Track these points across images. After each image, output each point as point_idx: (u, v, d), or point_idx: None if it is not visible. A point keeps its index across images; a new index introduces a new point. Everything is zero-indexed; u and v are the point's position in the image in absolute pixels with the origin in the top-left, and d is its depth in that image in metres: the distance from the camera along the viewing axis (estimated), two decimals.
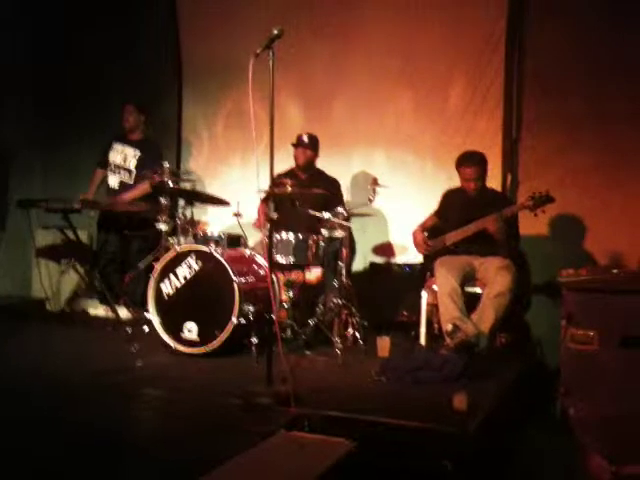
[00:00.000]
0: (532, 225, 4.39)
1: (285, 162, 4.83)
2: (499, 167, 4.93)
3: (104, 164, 5.38)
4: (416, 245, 4.51)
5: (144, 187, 5.12)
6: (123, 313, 5.04)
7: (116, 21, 5.92)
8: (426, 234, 4.51)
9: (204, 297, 3.98)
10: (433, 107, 5.19)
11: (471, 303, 4.09)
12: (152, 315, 4.05)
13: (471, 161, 4.28)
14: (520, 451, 3.08)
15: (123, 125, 5.32)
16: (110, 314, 5.08)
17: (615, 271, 3.60)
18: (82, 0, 5.87)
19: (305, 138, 4.83)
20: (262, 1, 5.56)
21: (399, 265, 5.18)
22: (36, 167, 5.79)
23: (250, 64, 2.98)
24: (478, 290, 4.16)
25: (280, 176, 4.53)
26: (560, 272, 3.51)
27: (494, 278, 4.03)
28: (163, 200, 4.43)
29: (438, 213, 4.57)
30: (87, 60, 5.87)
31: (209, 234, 4.31)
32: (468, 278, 4.19)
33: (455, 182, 4.46)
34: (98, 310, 5.30)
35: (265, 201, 4.34)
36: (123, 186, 5.26)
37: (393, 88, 5.30)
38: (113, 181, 5.32)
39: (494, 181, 4.75)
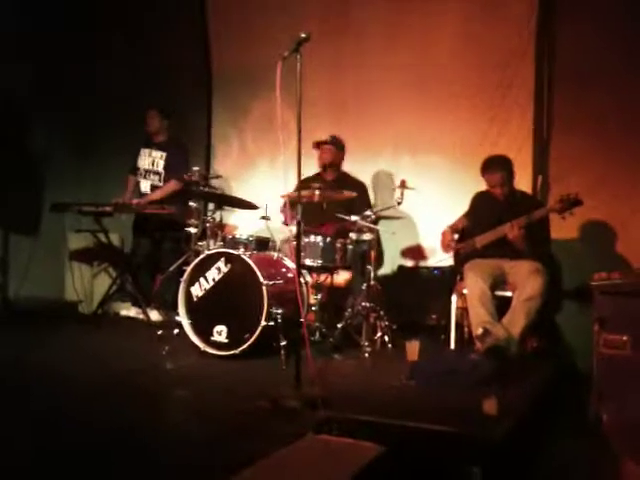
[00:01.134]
0: (564, 228, 4.33)
1: (313, 166, 4.84)
2: (529, 169, 4.88)
3: (135, 170, 5.47)
4: (443, 245, 4.48)
5: (171, 186, 5.18)
6: (154, 315, 5.10)
7: (147, 27, 6.00)
8: (456, 236, 4.48)
9: (233, 300, 4.01)
10: (462, 109, 5.15)
11: (502, 307, 4.05)
12: (182, 317, 4.09)
13: (494, 167, 4.23)
14: (550, 457, 3.04)
15: (146, 130, 5.40)
16: (141, 316, 5.15)
17: None
18: (111, 7, 5.96)
19: (327, 138, 4.82)
20: (290, 6, 5.59)
21: (428, 268, 5.15)
22: (69, 172, 5.88)
23: (278, 68, 3.00)
24: (509, 294, 4.12)
25: (307, 180, 4.54)
26: (592, 276, 3.46)
27: (525, 282, 3.98)
28: (193, 203, 4.48)
29: (468, 215, 4.54)
30: (117, 67, 5.95)
31: (238, 237, 4.34)
32: (498, 282, 4.15)
33: (484, 184, 4.43)
34: (130, 312, 5.38)
35: (291, 204, 4.35)
36: (155, 189, 5.34)
37: (421, 91, 5.28)
38: (145, 186, 5.40)
39: (524, 183, 4.71)
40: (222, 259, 4.06)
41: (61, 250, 5.78)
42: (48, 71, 5.65)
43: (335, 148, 4.84)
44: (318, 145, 4.81)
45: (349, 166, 4.99)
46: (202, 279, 4.10)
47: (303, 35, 3.09)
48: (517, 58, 4.94)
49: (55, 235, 5.71)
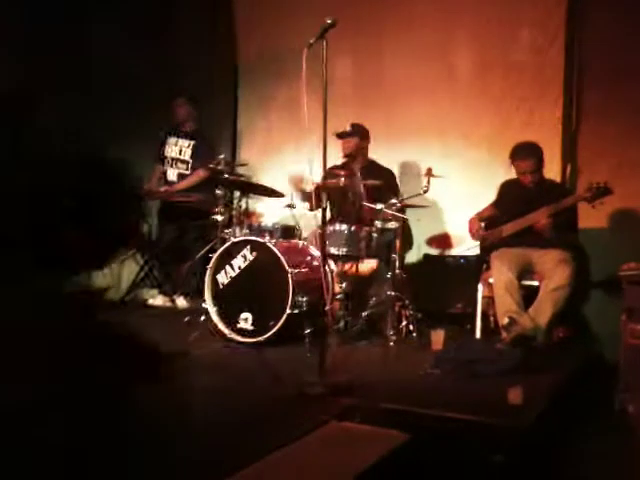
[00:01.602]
0: (592, 217, 4.28)
1: (340, 153, 4.83)
2: (559, 157, 4.82)
3: (161, 159, 5.49)
4: (471, 232, 4.45)
5: (198, 175, 5.21)
6: (181, 302, 5.15)
7: (173, 13, 5.98)
8: (483, 224, 4.44)
9: (259, 288, 4.04)
10: (490, 96, 5.09)
11: (529, 297, 4.02)
12: (208, 305, 4.13)
13: (525, 154, 4.18)
14: (575, 447, 3.02)
15: (175, 119, 5.41)
16: (168, 304, 5.21)
17: None
18: None
19: (348, 127, 4.77)
20: None
21: (454, 257, 5.12)
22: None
23: (304, 54, 3.00)
24: (536, 283, 4.08)
25: (334, 168, 4.53)
26: (621, 266, 3.42)
27: (553, 271, 3.94)
28: (219, 191, 4.50)
29: (496, 204, 4.50)
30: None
31: (263, 225, 4.36)
32: (525, 271, 4.11)
33: (513, 172, 4.38)
34: (157, 300, 5.43)
35: (317, 192, 4.35)
36: (182, 178, 5.37)
37: (449, 77, 5.23)
38: (172, 174, 5.43)
39: (553, 172, 4.64)
40: (248, 247, 4.08)
41: None
42: (65, 56, 5.63)
43: (357, 138, 4.79)
44: (340, 136, 4.77)
45: (376, 153, 4.96)
46: (228, 267, 4.13)
47: (329, 21, 3.07)
48: (547, 44, 4.87)
49: None
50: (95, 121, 5.76)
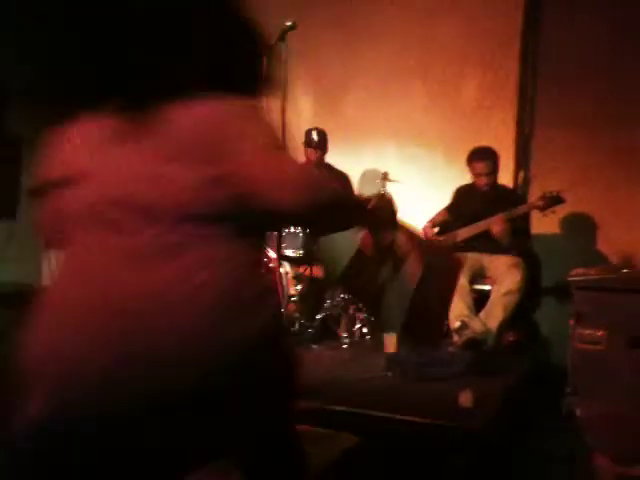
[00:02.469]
0: (544, 223, 4.37)
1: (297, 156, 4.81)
2: (511, 164, 4.89)
3: None
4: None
5: None
6: None
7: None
8: (436, 230, 4.49)
9: None
10: (446, 102, 5.15)
11: (480, 301, 4.07)
12: None
13: (482, 156, 4.26)
14: (526, 449, 3.07)
15: None
16: None
17: (625, 270, 3.57)
18: None
19: (315, 137, 4.77)
20: None
21: None
22: None
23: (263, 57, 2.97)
24: (487, 287, 4.15)
25: None
26: (570, 271, 3.49)
27: (504, 276, 4.01)
28: None
29: (449, 209, 4.56)
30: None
31: None
32: (477, 275, 4.17)
33: (467, 178, 4.44)
34: None
35: None
36: None
37: (406, 82, 5.27)
38: None
39: (506, 178, 4.72)
40: None
41: (39, 237, 5.70)
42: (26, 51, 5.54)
43: (321, 150, 4.81)
44: (309, 145, 4.76)
45: (332, 157, 4.97)
46: None
47: (288, 23, 3.06)
48: (502, 52, 4.95)
49: (32, 220, 5.62)
50: None
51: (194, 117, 1.23)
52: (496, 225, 4.07)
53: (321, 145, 4.80)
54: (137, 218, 1.21)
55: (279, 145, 1.31)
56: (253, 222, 1.29)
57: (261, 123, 1.30)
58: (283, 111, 3.10)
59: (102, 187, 1.25)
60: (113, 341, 1.16)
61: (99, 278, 1.22)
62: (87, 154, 1.28)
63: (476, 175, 4.29)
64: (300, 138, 4.77)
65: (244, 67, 1.38)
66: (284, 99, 3.10)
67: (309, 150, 4.79)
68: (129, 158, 1.23)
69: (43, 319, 1.27)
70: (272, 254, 4.20)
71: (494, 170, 4.27)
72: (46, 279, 5.74)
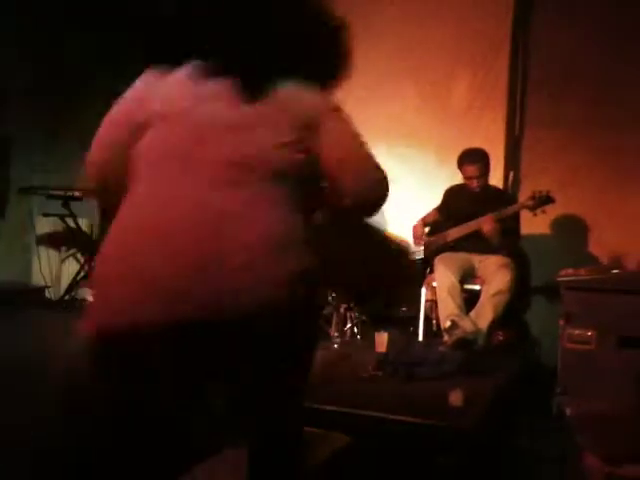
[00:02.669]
0: (534, 223, 4.38)
1: None
2: (501, 165, 4.91)
3: None
4: (414, 238, 4.52)
5: None
6: None
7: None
8: (427, 229, 4.50)
9: None
10: (437, 103, 5.16)
11: (470, 300, 4.08)
12: None
13: (473, 159, 4.26)
14: (516, 449, 3.08)
15: None
16: None
17: (615, 271, 3.59)
18: None
19: None
20: None
21: None
22: (37, 155, 5.76)
23: None
24: (477, 287, 4.16)
25: None
26: (560, 271, 3.50)
27: (494, 276, 4.02)
28: None
29: (440, 209, 4.57)
30: (84, 50, 5.80)
31: None
32: (468, 275, 4.18)
33: (458, 178, 4.45)
34: None
35: None
36: None
37: (397, 83, 5.27)
38: None
39: (496, 179, 4.73)
40: None
41: (28, 234, 5.68)
42: (19, 48, 5.51)
43: None
44: None
45: None
46: None
47: None
48: (493, 53, 4.97)
49: (22, 219, 5.59)
50: None
51: (295, 95, 1.50)
52: (486, 224, 4.09)
53: None
54: (235, 166, 1.42)
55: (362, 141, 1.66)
56: (314, 190, 1.54)
57: (345, 115, 1.67)
58: None
59: (203, 132, 1.43)
60: (209, 258, 1.35)
61: (191, 202, 1.39)
62: (195, 100, 1.45)
63: (467, 178, 4.30)
64: None
65: (328, 50, 1.68)
66: None
67: None
68: (233, 113, 1.45)
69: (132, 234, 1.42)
70: None
71: (485, 172, 4.28)
72: (36, 277, 5.71)
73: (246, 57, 1.49)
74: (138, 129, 1.48)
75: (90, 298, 1.47)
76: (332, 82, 1.67)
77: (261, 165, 1.43)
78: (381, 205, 1.68)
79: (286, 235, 1.43)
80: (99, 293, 1.44)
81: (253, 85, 1.46)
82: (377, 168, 1.64)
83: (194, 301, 1.33)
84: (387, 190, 1.67)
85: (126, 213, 1.45)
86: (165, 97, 1.47)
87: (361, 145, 1.66)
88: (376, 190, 1.66)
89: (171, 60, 1.49)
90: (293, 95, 1.50)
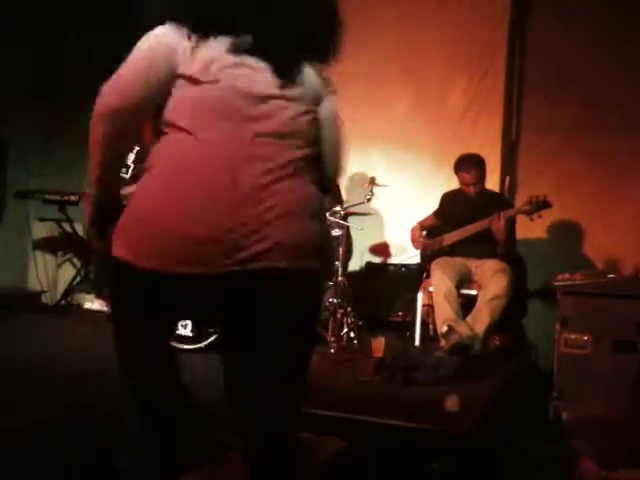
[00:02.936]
0: (529, 229, 4.39)
1: None
2: (498, 170, 4.93)
3: None
4: (412, 240, 4.52)
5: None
6: None
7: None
8: (424, 233, 4.51)
9: None
10: (433, 107, 5.18)
11: (467, 305, 4.08)
12: None
13: (469, 166, 4.27)
14: (512, 454, 3.08)
15: None
16: (106, 308, 5.08)
17: (611, 276, 3.60)
18: None
19: None
20: None
21: (395, 265, 5.18)
22: (34, 159, 5.76)
23: None
24: (474, 292, 4.16)
25: None
26: (556, 276, 3.51)
27: (490, 281, 4.02)
28: None
29: (437, 214, 4.57)
30: (82, 53, 5.81)
31: None
32: (464, 280, 4.19)
33: (454, 183, 4.45)
34: (94, 304, 5.30)
35: None
36: (135, 179, 5.25)
37: (393, 87, 5.28)
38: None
39: (492, 184, 4.75)
40: None
41: (25, 239, 5.67)
42: (19, 49, 5.51)
43: None
44: None
45: None
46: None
47: None
48: (489, 57, 4.98)
49: (19, 223, 5.59)
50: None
51: (309, 73, 1.71)
52: (495, 223, 4.07)
53: None
54: (276, 133, 1.59)
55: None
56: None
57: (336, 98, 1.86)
58: None
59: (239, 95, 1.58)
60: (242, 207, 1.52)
61: (239, 159, 1.54)
62: (240, 69, 1.60)
63: (464, 185, 4.31)
64: None
65: (326, 35, 1.77)
66: None
67: None
68: (272, 86, 1.62)
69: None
70: None
71: (481, 178, 4.29)
72: (32, 282, 5.71)
73: (280, 40, 1.65)
74: (175, 77, 1.58)
75: (128, 223, 1.60)
76: (330, 61, 1.82)
77: (296, 132, 1.63)
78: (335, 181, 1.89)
79: (315, 204, 1.65)
80: (144, 236, 1.55)
81: (286, 66, 1.64)
82: (343, 157, 1.85)
83: (236, 261, 1.50)
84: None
85: (178, 157, 1.57)
86: (210, 60, 1.57)
87: (342, 131, 1.85)
88: (338, 176, 1.86)
89: (216, 29, 1.60)
90: (308, 73, 1.70)
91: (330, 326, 4.15)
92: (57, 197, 5.05)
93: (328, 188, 1.81)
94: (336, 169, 1.82)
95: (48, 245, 5.68)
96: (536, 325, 4.50)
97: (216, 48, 1.58)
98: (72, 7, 5.79)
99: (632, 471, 2.39)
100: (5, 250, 5.54)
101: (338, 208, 4.32)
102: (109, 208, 1.73)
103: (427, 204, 4.69)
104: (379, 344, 3.96)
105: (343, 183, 5.18)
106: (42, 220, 5.41)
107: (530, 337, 4.57)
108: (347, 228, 4.44)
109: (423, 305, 4.23)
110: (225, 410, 2.43)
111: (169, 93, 1.59)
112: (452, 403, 2.79)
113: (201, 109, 1.57)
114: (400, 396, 3.12)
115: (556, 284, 3.40)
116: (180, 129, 1.57)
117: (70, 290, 5.23)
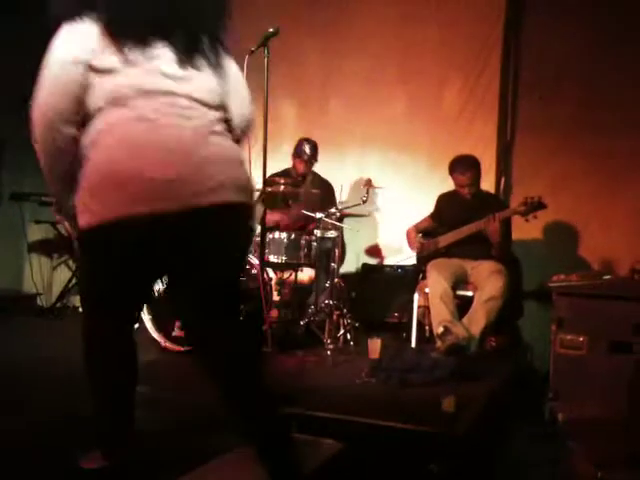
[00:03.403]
0: (525, 229, 4.40)
1: (280, 162, 4.82)
2: (493, 171, 4.94)
3: None
4: (409, 243, 4.53)
5: None
6: None
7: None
8: (420, 235, 4.51)
9: None
10: (428, 109, 5.19)
11: (463, 306, 4.09)
12: (142, 312, 4.03)
13: (464, 167, 4.27)
14: (508, 455, 3.08)
15: None
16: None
17: (606, 277, 3.61)
18: None
19: (308, 150, 4.73)
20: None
21: (391, 266, 5.18)
22: (29, 161, 5.73)
23: (245, 62, 2.98)
24: (470, 293, 4.17)
25: (275, 176, 4.52)
26: (551, 277, 3.52)
27: (486, 282, 4.03)
28: None
29: (433, 216, 4.57)
30: None
31: None
32: (460, 281, 4.19)
33: (450, 184, 4.46)
34: None
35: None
36: None
37: (388, 89, 5.30)
38: None
39: (488, 184, 4.76)
40: None
41: (20, 241, 5.66)
42: (12, 56, 5.48)
43: (311, 163, 4.81)
44: (299, 156, 4.75)
45: (318, 163, 4.97)
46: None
47: (271, 30, 3.07)
48: (485, 57, 4.99)
49: (14, 225, 5.57)
50: None
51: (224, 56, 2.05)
52: (489, 224, 4.08)
53: (311, 158, 4.78)
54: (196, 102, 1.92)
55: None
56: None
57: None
58: (265, 116, 3.11)
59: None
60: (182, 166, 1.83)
61: (172, 127, 1.85)
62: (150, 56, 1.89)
63: (459, 186, 4.31)
64: (281, 143, 4.77)
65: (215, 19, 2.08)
66: (266, 104, 3.10)
67: (298, 160, 4.78)
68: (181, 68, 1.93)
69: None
70: (255, 260, 4.20)
71: (476, 180, 4.30)
72: (27, 285, 5.70)
73: (183, 28, 1.95)
74: (92, 71, 1.83)
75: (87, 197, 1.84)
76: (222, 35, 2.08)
77: (210, 99, 1.95)
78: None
79: (239, 154, 2.01)
80: (111, 188, 1.79)
81: (190, 48, 1.94)
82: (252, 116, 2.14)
83: (192, 196, 1.81)
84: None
85: (120, 130, 1.82)
86: (122, 49, 1.84)
87: (246, 87, 2.13)
88: (248, 126, 2.14)
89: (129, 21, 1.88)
90: (210, 48, 2.00)
91: (326, 328, 4.16)
92: (53, 199, 5.03)
93: (240, 140, 2.11)
94: (246, 121, 2.10)
95: (43, 247, 5.67)
96: (532, 326, 4.52)
97: (132, 38, 1.85)
98: None
99: (628, 472, 2.40)
100: (0, 252, 5.53)
101: (333, 210, 4.32)
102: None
103: (422, 205, 4.70)
104: (375, 345, 3.96)
105: (339, 185, 5.19)
106: (38, 222, 5.40)
107: (526, 338, 4.58)
108: (342, 230, 4.44)
109: (419, 306, 4.24)
110: (221, 410, 2.44)
111: (91, 86, 1.84)
112: (448, 404, 2.79)
113: (128, 90, 1.84)
114: (397, 397, 3.12)
115: (552, 285, 3.40)
116: (116, 108, 1.83)
117: (66, 292, 5.21)
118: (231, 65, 2.09)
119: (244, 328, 2.15)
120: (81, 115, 1.86)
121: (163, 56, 1.89)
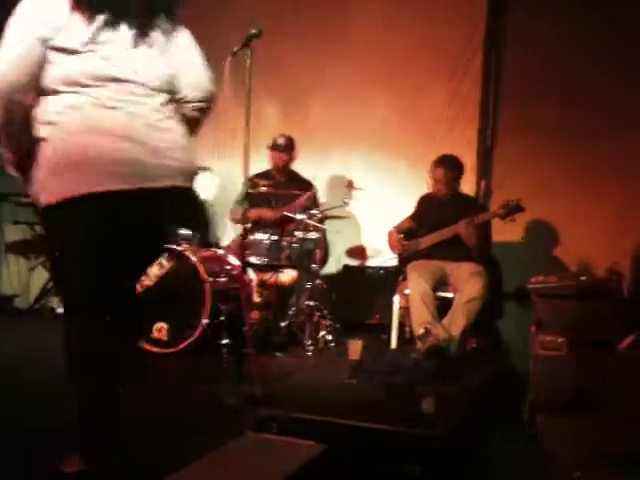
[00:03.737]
0: (505, 231, 4.42)
1: (262, 163, 4.81)
2: (473, 173, 4.96)
3: None
4: (391, 245, 4.54)
5: None
6: None
7: None
8: (401, 236, 4.52)
9: (175, 297, 3.95)
10: (410, 110, 5.20)
11: (443, 308, 4.10)
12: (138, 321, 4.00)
13: (443, 164, 4.30)
14: (488, 456, 3.09)
15: None
16: None
17: (584, 278, 3.64)
18: None
19: (281, 141, 4.79)
20: (240, 0, 5.54)
21: (373, 268, 5.19)
22: None
23: (227, 63, 2.97)
24: (450, 295, 4.18)
25: (256, 177, 4.51)
26: (530, 279, 3.54)
27: (466, 284, 4.05)
28: None
29: (413, 217, 4.59)
30: None
31: (181, 233, 4.28)
32: (440, 283, 4.21)
33: (428, 185, 4.48)
34: None
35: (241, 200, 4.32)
36: None
37: (371, 90, 5.30)
38: None
39: (468, 187, 4.78)
40: (164, 255, 3.99)
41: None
42: None
43: (287, 154, 4.82)
44: (275, 148, 4.78)
45: (298, 164, 4.97)
46: (143, 275, 4.01)
47: (254, 31, 3.06)
48: (465, 61, 5.02)
49: None
50: None
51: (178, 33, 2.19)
52: (464, 229, 4.11)
53: (287, 149, 4.80)
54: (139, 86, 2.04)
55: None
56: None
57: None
58: (248, 117, 3.10)
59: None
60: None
61: (125, 111, 1.99)
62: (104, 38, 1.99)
63: (434, 181, 4.34)
64: (263, 144, 4.76)
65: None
66: (249, 105, 3.09)
67: (274, 153, 4.79)
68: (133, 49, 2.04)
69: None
70: (236, 261, 4.19)
71: (453, 178, 4.32)
72: (4, 286, 5.63)
73: (135, 12, 2.04)
74: (52, 50, 1.91)
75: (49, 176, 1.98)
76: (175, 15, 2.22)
77: (160, 82, 2.08)
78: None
79: (186, 140, 2.18)
80: (69, 169, 1.94)
81: (146, 29, 2.05)
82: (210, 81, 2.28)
83: (145, 180, 2.01)
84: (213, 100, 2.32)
85: (78, 115, 1.94)
86: (79, 31, 1.93)
87: (201, 56, 2.24)
88: (209, 96, 2.28)
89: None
90: (163, 28, 2.12)
91: (307, 329, 4.15)
92: (31, 200, 4.97)
93: (197, 115, 2.24)
94: (201, 90, 2.22)
95: (21, 248, 5.60)
96: (512, 327, 4.54)
97: (101, 18, 1.95)
98: None
99: (605, 472, 2.42)
100: None
101: (315, 211, 4.31)
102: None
103: (404, 206, 4.71)
104: (356, 347, 3.95)
105: (321, 186, 5.19)
106: (15, 223, 5.34)
107: (505, 339, 4.61)
108: (324, 231, 4.44)
109: (400, 308, 4.24)
110: (203, 414, 2.42)
111: (48, 62, 1.92)
112: (428, 405, 2.80)
113: (85, 76, 1.94)
114: (377, 398, 3.13)
115: (530, 287, 3.43)
116: (72, 92, 1.94)
117: (44, 294, 5.16)
118: (183, 35, 2.19)
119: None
120: (35, 87, 1.95)
121: (122, 39, 2.00)
